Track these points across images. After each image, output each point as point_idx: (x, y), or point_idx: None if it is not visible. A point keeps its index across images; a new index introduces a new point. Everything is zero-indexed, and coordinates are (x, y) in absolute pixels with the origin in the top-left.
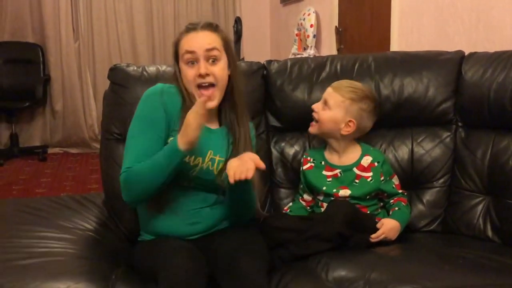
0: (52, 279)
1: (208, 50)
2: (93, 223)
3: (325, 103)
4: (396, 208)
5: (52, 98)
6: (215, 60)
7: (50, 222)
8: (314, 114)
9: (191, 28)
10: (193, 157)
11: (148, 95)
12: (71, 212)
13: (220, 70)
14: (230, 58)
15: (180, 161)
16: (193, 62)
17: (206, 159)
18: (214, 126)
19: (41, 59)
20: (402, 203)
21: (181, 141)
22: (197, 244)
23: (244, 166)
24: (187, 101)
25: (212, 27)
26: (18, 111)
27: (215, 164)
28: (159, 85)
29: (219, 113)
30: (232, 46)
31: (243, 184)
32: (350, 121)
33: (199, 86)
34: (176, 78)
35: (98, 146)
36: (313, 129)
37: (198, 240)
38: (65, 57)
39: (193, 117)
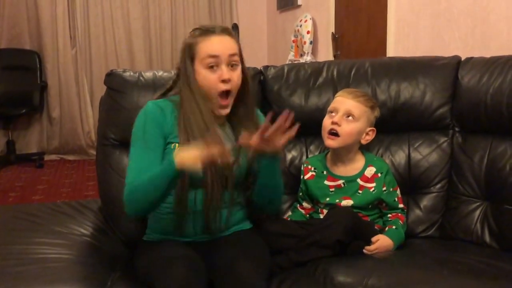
0: (48, 286)
1: (231, 55)
2: (89, 229)
3: (348, 114)
4: (394, 227)
5: (49, 105)
6: (234, 65)
7: (46, 228)
8: (336, 128)
9: (210, 31)
10: None
11: (141, 115)
12: (68, 218)
13: (237, 76)
14: (243, 63)
15: (174, 175)
16: (213, 66)
17: None
18: (222, 124)
19: (38, 66)
20: (400, 221)
21: (178, 160)
22: (198, 249)
23: None
24: (187, 106)
25: (228, 32)
26: (15, 118)
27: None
28: (149, 103)
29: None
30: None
31: (272, 163)
32: (371, 129)
33: (219, 94)
34: (185, 79)
35: (95, 153)
36: (334, 142)
37: (200, 244)
38: (62, 64)
39: (198, 162)
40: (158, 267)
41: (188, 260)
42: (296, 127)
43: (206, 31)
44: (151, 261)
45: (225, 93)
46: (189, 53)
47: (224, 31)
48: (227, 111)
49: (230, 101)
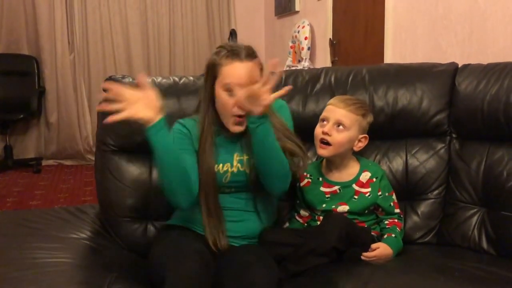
0: None
1: (250, 83)
2: (87, 233)
3: (338, 124)
4: (393, 235)
5: (46, 110)
6: None
7: (43, 234)
8: (327, 138)
9: (235, 55)
10: (220, 165)
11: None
12: (65, 223)
13: None
14: None
15: (153, 138)
16: (232, 90)
17: (234, 163)
18: (238, 137)
19: (36, 71)
20: (397, 228)
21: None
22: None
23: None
24: (207, 126)
25: (253, 56)
26: (13, 123)
27: (244, 163)
28: (175, 123)
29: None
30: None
31: (259, 121)
32: (363, 137)
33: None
34: (207, 99)
35: (92, 158)
36: (326, 152)
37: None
38: (60, 69)
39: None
40: (172, 259)
41: (201, 256)
42: (288, 88)
43: (232, 55)
44: (166, 251)
45: (240, 116)
46: (212, 72)
47: (249, 56)
48: (241, 128)
49: (244, 120)
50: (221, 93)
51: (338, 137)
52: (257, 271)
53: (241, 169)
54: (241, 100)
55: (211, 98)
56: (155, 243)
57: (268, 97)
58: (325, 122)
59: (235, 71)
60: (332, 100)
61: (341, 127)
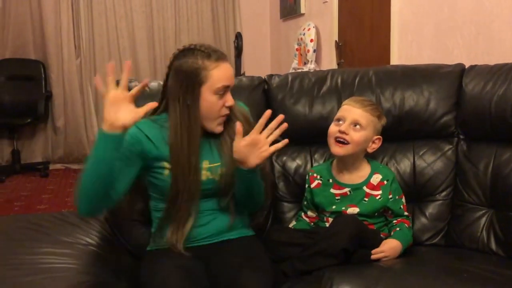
0: None
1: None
2: (95, 238)
3: (355, 123)
4: (398, 229)
5: (53, 115)
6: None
7: (52, 238)
8: (344, 136)
9: (221, 58)
10: None
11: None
12: (73, 227)
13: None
14: None
15: (109, 144)
16: (222, 93)
17: (203, 171)
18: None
19: (42, 75)
20: (405, 224)
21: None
22: (199, 253)
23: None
24: (179, 129)
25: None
26: (20, 128)
27: (213, 171)
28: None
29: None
30: None
31: (251, 173)
32: (377, 138)
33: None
34: (186, 102)
35: None
36: (342, 150)
37: (201, 249)
38: (66, 74)
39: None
40: (157, 279)
41: (185, 270)
42: (285, 141)
43: (218, 57)
44: (151, 273)
45: (225, 115)
46: (196, 77)
47: (226, 56)
48: (222, 128)
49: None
50: (210, 97)
51: (355, 136)
52: (249, 275)
53: (210, 177)
54: (240, 147)
55: (196, 102)
56: (141, 270)
57: (268, 150)
58: (341, 122)
59: (225, 73)
60: (347, 101)
61: (358, 126)
